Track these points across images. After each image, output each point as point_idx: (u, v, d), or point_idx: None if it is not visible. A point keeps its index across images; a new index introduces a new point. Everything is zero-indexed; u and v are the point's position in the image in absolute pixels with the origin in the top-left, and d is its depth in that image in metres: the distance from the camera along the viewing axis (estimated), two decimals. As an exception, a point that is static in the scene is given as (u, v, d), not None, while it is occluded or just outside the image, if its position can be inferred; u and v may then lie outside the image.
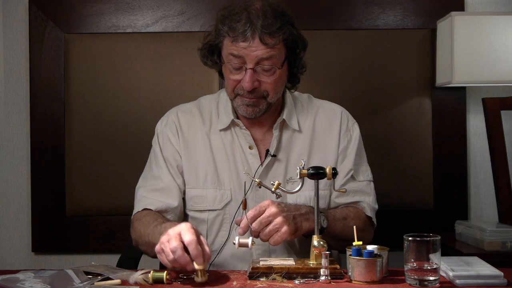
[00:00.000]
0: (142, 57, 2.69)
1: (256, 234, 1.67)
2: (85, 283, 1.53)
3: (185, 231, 1.54)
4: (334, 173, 1.65)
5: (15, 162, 2.75)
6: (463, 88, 2.70)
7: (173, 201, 1.89)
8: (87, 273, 1.60)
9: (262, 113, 1.85)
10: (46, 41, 2.69)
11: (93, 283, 1.53)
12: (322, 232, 1.73)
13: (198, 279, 1.52)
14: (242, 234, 1.66)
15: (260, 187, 1.67)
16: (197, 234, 1.55)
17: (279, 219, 1.66)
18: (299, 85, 1.97)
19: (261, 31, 1.74)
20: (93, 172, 2.69)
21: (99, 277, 1.58)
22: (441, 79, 2.56)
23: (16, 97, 2.74)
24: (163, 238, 1.56)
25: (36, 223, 2.71)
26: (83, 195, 2.69)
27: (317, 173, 1.65)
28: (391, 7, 2.70)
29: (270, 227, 1.66)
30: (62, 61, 2.69)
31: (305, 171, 1.65)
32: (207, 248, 1.54)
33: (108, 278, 1.57)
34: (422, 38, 2.69)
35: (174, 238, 1.52)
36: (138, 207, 1.91)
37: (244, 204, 1.66)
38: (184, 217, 1.96)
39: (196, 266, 1.51)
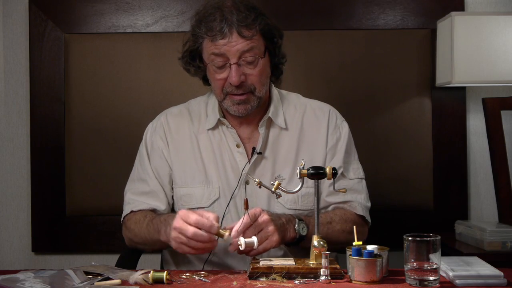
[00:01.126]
0: (142, 57, 2.69)
1: (248, 250, 1.67)
2: (85, 283, 1.52)
3: (186, 216, 1.65)
4: (334, 173, 1.65)
5: (15, 162, 2.75)
6: (463, 88, 2.70)
7: (161, 204, 1.93)
8: (87, 273, 1.60)
9: (253, 110, 1.87)
10: (46, 41, 2.69)
11: (93, 283, 1.53)
12: (302, 240, 1.75)
13: (225, 237, 1.63)
14: (233, 250, 1.68)
15: (260, 187, 1.67)
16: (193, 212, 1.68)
17: (271, 227, 1.69)
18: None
19: (237, 25, 1.78)
20: (93, 172, 2.69)
21: (99, 277, 1.58)
22: (441, 79, 2.56)
23: (16, 97, 2.74)
24: (173, 234, 1.66)
25: (36, 223, 2.71)
26: (83, 195, 2.69)
27: (317, 173, 1.65)
28: (391, 7, 2.70)
29: (262, 233, 1.68)
30: (62, 61, 2.69)
31: (305, 171, 1.65)
32: (211, 215, 1.65)
33: (108, 278, 1.58)
34: (422, 38, 2.69)
35: (186, 228, 1.63)
36: (126, 210, 1.96)
37: (246, 204, 1.66)
38: None
39: (220, 231, 1.63)
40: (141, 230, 1.86)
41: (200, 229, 1.63)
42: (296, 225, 1.75)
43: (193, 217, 1.64)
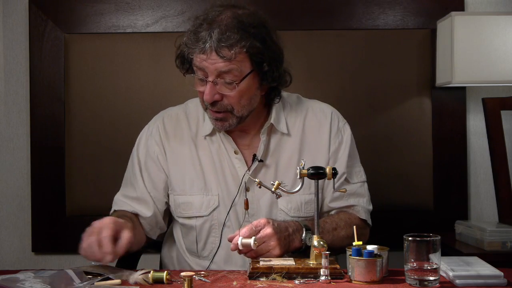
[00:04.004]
0: (142, 57, 2.69)
1: (246, 251, 1.65)
2: (85, 283, 1.52)
3: (105, 226, 1.61)
4: (334, 173, 1.65)
5: (15, 162, 2.75)
6: (463, 88, 2.70)
7: (146, 211, 1.90)
8: (87, 273, 1.60)
9: (234, 126, 1.81)
10: (46, 41, 2.69)
11: (93, 283, 1.53)
12: (307, 250, 1.71)
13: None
14: (234, 250, 1.65)
15: (260, 187, 1.66)
16: (117, 229, 1.61)
17: (273, 242, 1.66)
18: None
19: (217, 44, 1.68)
20: (93, 172, 2.69)
21: (99, 277, 1.58)
22: (441, 79, 2.56)
23: (16, 97, 2.74)
24: (88, 229, 1.63)
25: (36, 223, 2.71)
26: (83, 195, 2.69)
27: (317, 173, 1.64)
28: (391, 7, 2.70)
29: (263, 247, 1.66)
30: (62, 61, 2.69)
31: (305, 171, 1.64)
32: (124, 239, 1.60)
33: (108, 278, 1.57)
34: (422, 38, 2.69)
35: (91, 234, 1.60)
36: (112, 208, 1.95)
37: (246, 204, 1.65)
38: (174, 224, 1.96)
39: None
40: None
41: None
42: (303, 235, 1.72)
43: (106, 233, 1.59)
